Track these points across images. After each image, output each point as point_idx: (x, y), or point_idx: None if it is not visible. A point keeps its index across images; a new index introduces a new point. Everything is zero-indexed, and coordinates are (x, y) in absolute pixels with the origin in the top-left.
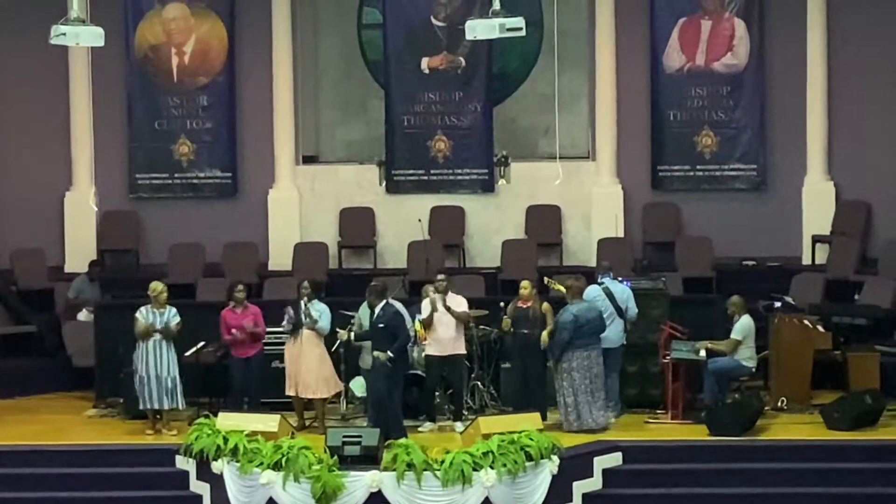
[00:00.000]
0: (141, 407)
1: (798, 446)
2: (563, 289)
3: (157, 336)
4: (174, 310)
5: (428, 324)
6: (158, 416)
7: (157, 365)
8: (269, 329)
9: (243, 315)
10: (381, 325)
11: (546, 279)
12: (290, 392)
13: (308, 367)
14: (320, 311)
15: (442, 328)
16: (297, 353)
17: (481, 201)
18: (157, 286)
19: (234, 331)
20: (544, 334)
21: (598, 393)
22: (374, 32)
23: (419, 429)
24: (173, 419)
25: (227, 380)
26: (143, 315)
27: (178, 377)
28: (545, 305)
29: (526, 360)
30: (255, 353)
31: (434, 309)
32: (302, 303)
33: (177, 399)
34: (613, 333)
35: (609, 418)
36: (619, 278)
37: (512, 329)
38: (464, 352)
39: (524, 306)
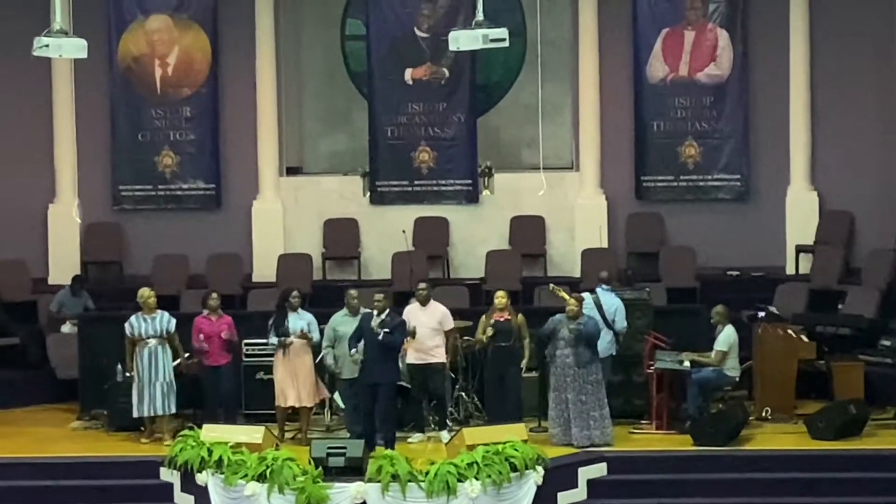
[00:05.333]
0: (136, 415)
1: (782, 456)
2: (566, 296)
3: (153, 342)
4: (167, 314)
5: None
6: (158, 433)
7: (151, 370)
8: (252, 341)
9: (217, 323)
10: (389, 332)
11: (551, 286)
12: (286, 403)
13: (304, 376)
14: (308, 321)
15: (420, 338)
16: (290, 364)
17: (465, 212)
18: (143, 291)
19: (202, 337)
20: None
21: None
22: (358, 44)
23: (408, 440)
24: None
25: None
26: (134, 325)
27: (173, 382)
28: (521, 318)
29: (503, 373)
30: (225, 363)
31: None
32: (297, 313)
33: (168, 404)
34: (601, 344)
35: None
36: (614, 290)
37: (489, 342)
38: (443, 360)
39: (501, 318)
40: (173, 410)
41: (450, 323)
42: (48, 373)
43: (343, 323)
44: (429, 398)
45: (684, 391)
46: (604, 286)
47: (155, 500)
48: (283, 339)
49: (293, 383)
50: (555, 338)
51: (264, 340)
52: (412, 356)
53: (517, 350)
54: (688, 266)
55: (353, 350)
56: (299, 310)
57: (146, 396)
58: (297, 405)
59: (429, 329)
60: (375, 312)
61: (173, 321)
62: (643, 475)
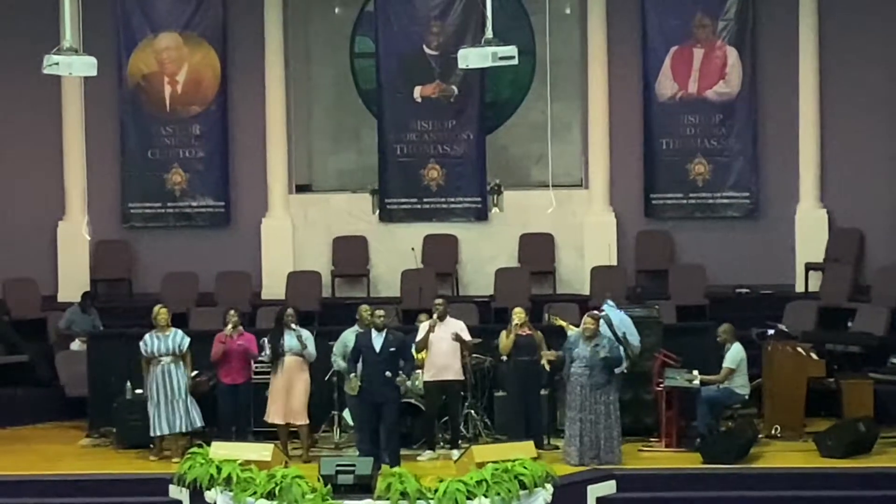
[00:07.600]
0: (153, 434)
1: (792, 474)
2: (564, 324)
3: (166, 359)
4: (180, 332)
5: (422, 347)
6: (167, 451)
7: (166, 388)
8: (260, 358)
9: (238, 340)
10: (393, 350)
11: (547, 314)
12: (276, 420)
13: (296, 393)
14: (306, 337)
15: (438, 354)
16: (284, 380)
17: (474, 230)
18: (155, 309)
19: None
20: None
21: None
22: (367, 61)
23: (418, 458)
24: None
25: (216, 408)
26: (148, 343)
27: (190, 398)
28: (539, 334)
29: (525, 388)
30: (243, 381)
31: (430, 331)
32: (294, 328)
33: (190, 420)
34: None
35: None
36: (620, 307)
37: (507, 356)
38: (461, 378)
39: (523, 334)
40: (199, 425)
41: (467, 336)
42: (57, 390)
43: (354, 339)
44: (439, 416)
45: (694, 409)
46: (609, 303)
47: None
48: (277, 353)
49: (284, 400)
50: (569, 355)
51: (263, 359)
52: (429, 374)
53: (538, 365)
54: (697, 284)
55: (353, 375)
56: (295, 327)
57: (163, 414)
58: (281, 422)
59: (447, 345)
60: (374, 331)
61: (187, 339)
62: (653, 493)
